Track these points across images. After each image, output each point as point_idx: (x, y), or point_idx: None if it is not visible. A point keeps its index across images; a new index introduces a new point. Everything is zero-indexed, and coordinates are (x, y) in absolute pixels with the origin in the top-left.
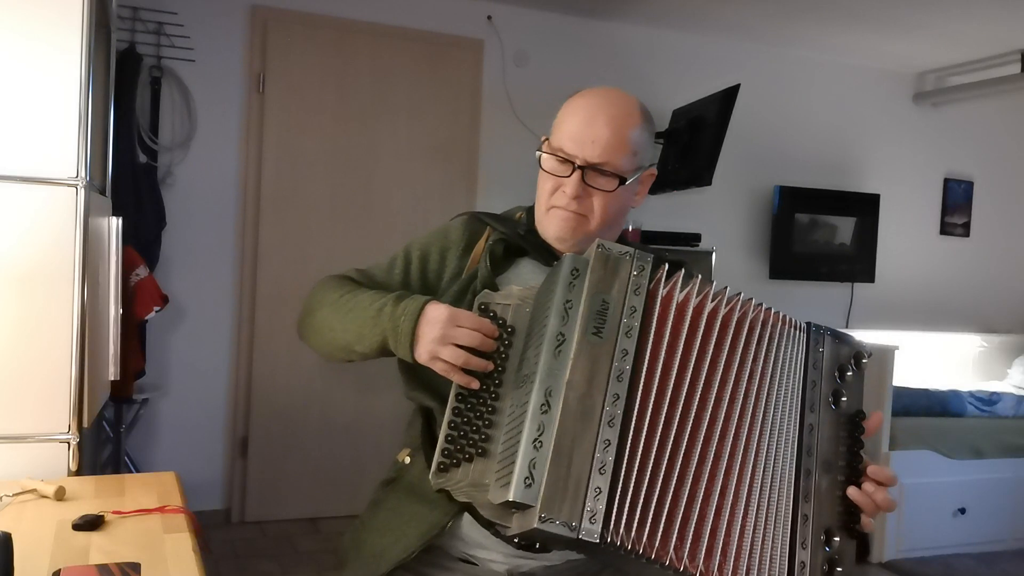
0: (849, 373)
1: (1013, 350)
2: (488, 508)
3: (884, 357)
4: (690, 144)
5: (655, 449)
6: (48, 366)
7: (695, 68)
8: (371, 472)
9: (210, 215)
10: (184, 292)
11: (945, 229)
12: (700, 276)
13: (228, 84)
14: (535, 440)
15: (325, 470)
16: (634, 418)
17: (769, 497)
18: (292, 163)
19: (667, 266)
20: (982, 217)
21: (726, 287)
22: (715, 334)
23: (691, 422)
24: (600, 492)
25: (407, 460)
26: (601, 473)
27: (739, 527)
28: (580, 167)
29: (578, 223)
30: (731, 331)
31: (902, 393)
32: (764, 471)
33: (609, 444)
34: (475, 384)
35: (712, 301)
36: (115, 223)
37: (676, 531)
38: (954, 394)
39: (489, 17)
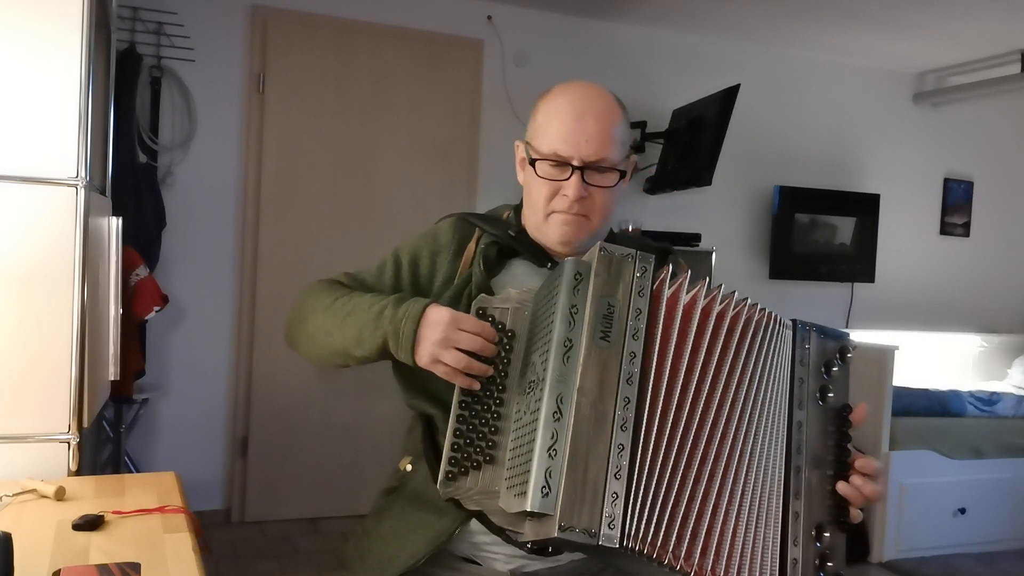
0: (835, 368)
1: (1013, 350)
2: (500, 515)
3: (884, 357)
4: (690, 144)
5: (664, 451)
6: (48, 366)
7: (695, 68)
8: (371, 472)
9: (210, 215)
10: (184, 292)
11: (945, 229)
12: (689, 269)
13: (228, 84)
14: (550, 448)
15: (325, 470)
16: (644, 421)
17: (760, 496)
18: (292, 163)
19: (670, 267)
20: (982, 217)
21: (720, 285)
22: (709, 333)
23: (696, 423)
24: (617, 497)
25: (408, 468)
26: (617, 478)
27: (731, 527)
28: (578, 168)
29: (581, 225)
30: (725, 330)
31: (902, 393)
32: (754, 470)
33: (623, 448)
34: (476, 386)
35: (706, 298)
36: (115, 223)
37: (676, 532)
38: (954, 394)
39: (489, 17)
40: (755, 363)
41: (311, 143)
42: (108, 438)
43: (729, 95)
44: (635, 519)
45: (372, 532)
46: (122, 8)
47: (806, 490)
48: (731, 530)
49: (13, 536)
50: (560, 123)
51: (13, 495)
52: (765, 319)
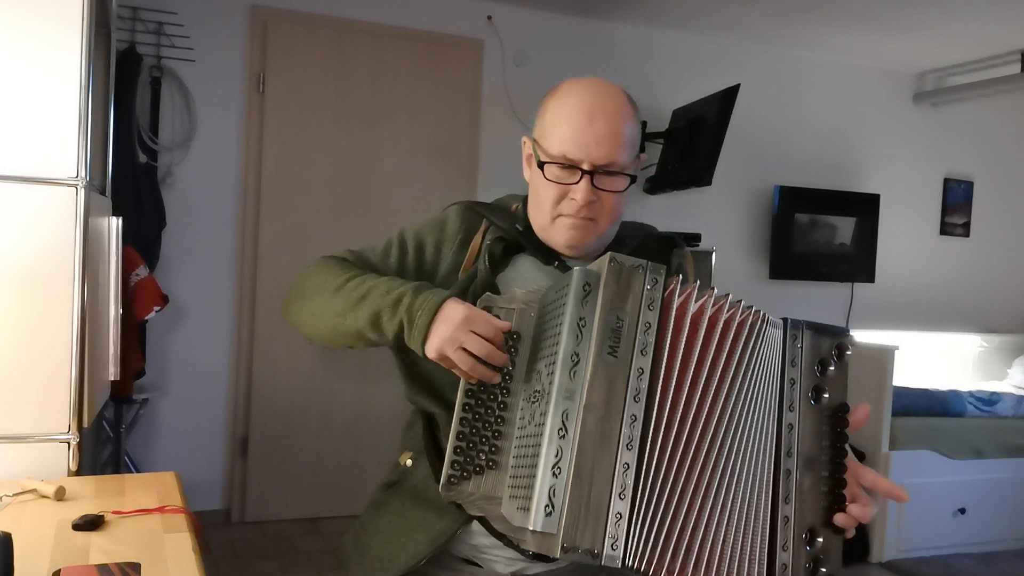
0: (831, 367)
1: (1013, 350)
2: (501, 522)
3: (884, 357)
4: (690, 144)
5: (666, 468)
6: (48, 366)
7: (695, 68)
8: (371, 472)
9: (210, 215)
10: (184, 292)
11: (945, 229)
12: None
13: (228, 84)
14: (554, 466)
15: (325, 470)
16: (650, 438)
17: (747, 502)
18: (292, 163)
19: (680, 276)
20: (982, 217)
21: (728, 294)
22: (715, 346)
23: (696, 437)
24: (621, 517)
25: (409, 463)
26: (621, 498)
27: (720, 536)
28: (588, 172)
29: (588, 229)
30: (720, 336)
31: (902, 393)
32: (743, 476)
33: (628, 467)
34: (485, 376)
35: (713, 306)
36: (115, 223)
37: (672, 548)
38: (954, 394)
39: (489, 17)
40: (744, 367)
41: (311, 143)
42: (108, 438)
43: (729, 95)
44: (638, 539)
45: (370, 527)
46: (122, 8)
47: (797, 493)
48: (720, 539)
49: (13, 536)
50: (570, 124)
51: (13, 495)
52: (752, 319)
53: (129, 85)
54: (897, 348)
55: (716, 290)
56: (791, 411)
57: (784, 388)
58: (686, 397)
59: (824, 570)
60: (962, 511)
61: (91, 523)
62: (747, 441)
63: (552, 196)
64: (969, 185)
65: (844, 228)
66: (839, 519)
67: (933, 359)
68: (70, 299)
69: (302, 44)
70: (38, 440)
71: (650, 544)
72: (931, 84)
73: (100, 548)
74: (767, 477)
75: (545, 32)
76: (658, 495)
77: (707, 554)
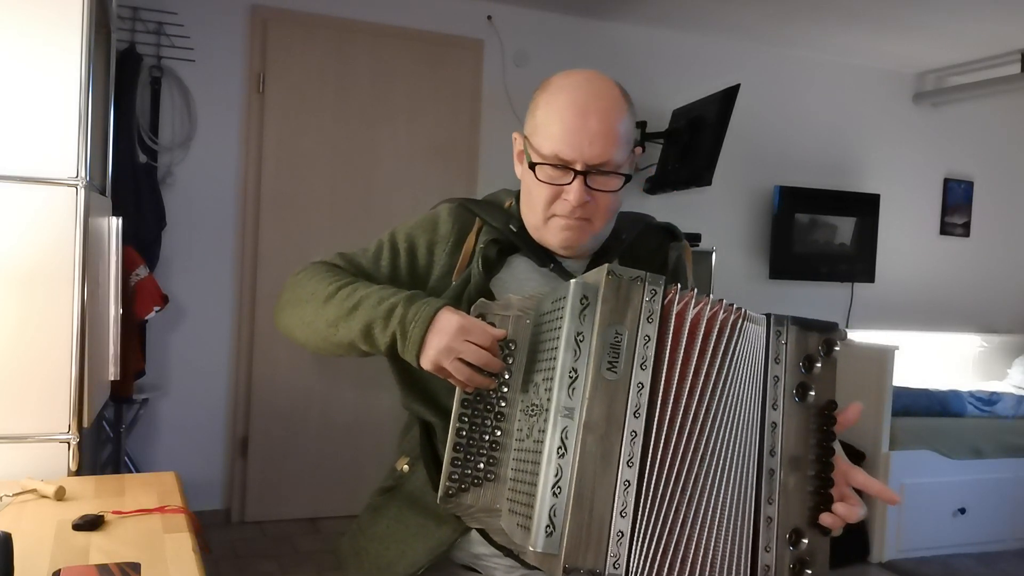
0: (818, 363)
1: (1013, 350)
2: (501, 535)
3: (884, 357)
4: (690, 144)
5: (665, 482)
6: (48, 366)
7: (695, 68)
8: (371, 472)
9: (210, 215)
10: (184, 292)
11: (945, 229)
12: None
13: (228, 84)
14: (554, 486)
15: (325, 470)
16: (650, 454)
17: (729, 503)
18: (292, 163)
19: (679, 286)
20: (982, 217)
21: (721, 299)
22: (698, 344)
23: (692, 446)
24: (622, 536)
25: (406, 468)
26: (623, 516)
27: (704, 537)
28: (581, 172)
29: (582, 229)
30: (704, 338)
31: (902, 393)
32: (727, 478)
33: (629, 485)
34: (483, 384)
35: (710, 310)
36: (115, 223)
37: (670, 558)
38: (954, 394)
39: (489, 17)
40: (727, 366)
41: (311, 143)
42: (108, 438)
43: (729, 95)
44: (639, 556)
45: (368, 531)
46: (122, 8)
47: (781, 493)
48: (704, 542)
49: (13, 536)
50: (562, 122)
51: (13, 495)
52: (739, 318)
53: (129, 85)
54: (897, 348)
55: (712, 296)
56: (775, 409)
57: (767, 386)
58: (686, 407)
59: (810, 572)
60: (962, 511)
61: (91, 523)
62: (731, 442)
63: (544, 197)
64: (969, 185)
65: (844, 228)
66: (825, 519)
67: (933, 359)
68: (70, 299)
69: (302, 44)
70: (38, 440)
71: (651, 560)
72: (931, 84)
73: (100, 548)
74: (751, 477)
75: (545, 32)
76: (658, 510)
77: (691, 556)
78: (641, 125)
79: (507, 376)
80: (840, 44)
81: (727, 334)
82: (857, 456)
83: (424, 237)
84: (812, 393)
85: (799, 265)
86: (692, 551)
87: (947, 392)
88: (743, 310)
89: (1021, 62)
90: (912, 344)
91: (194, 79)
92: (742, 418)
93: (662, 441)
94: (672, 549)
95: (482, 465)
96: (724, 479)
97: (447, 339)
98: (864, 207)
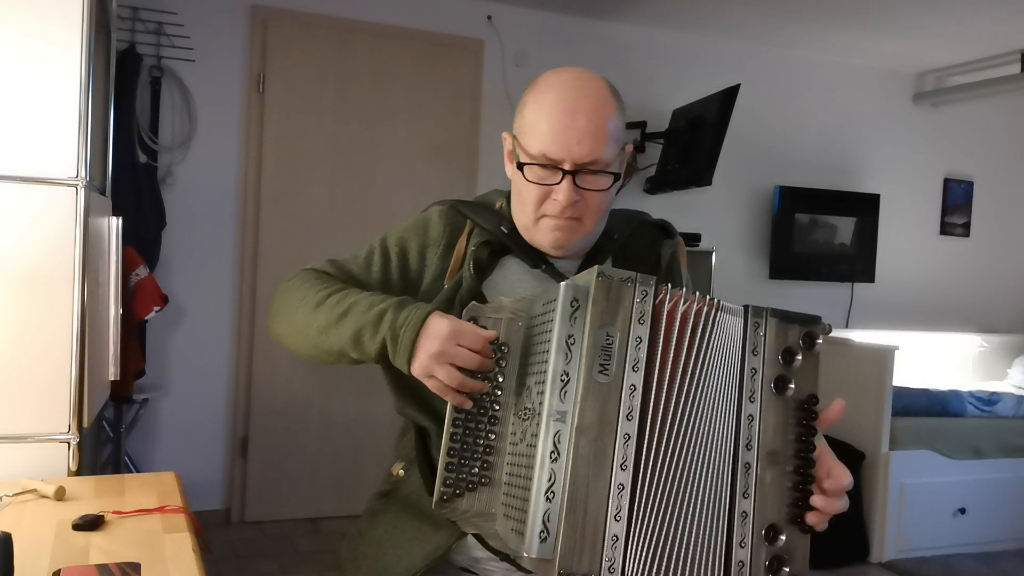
0: (798, 356)
1: (1013, 350)
2: (497, 539)
3: (884, 357)
4: (690, 144)
5: (658, 483)
6: (48, 366)
7: (695, 68)
8: (371, 472)
9: (210, 215)
10: (184, 292)
11: (945, 229)
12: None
13: (228, 84)
14: (547, 491)
15: (325, 470)
16: (643, 456)
17: (707, 499)
18: (292, 163)
19: (669, 286)
20: (982, 217)
21: (707, 295)
22: (695, 349)
23: (680, 445)
24: (617, 540)
25: (401, 473)
26: (617, 520)
27: (691, 536)
28: (570, 171)
29: (573, 229)
30: (680, 331)
31: (902, 393)
32: (702, 472)
33: (623, 488)
34: (468, 404)
35: (697, 304)
36: (115, 223)
37: (660, 558)
38: (954, 394)
39: (489, 17)
40: (703, 359)
41: (311, 143)
42: (108, 438)
43: (729, 95)
44: (634, 560)
45: (367, 535)
46: (122, 8)
47: (758, 488)
48: (690, 541)
49: (13, 536)
50: (549, 122)
51: (13, 495)
52: (714, 309)
53: (129, 85)
54: (897, 348)
55: (708, 296)
56: (751, 402)
57: (744, 378)
58: (675, 406)
59: (787, 570)
60: (962, 511)
61: (91, 523)
62: (710, 436)
63: (534, 197)
64: (969, 185)
65: (844, 228)
66: (810, 518)
67: (933, 359)
68: (70, 299)
69: (302, 44)
70: (38, 440)
71: (646, 562)
72: (931, 84)
73: (100, 548)
74: (725, 471)
75: (545, 32)
76: (652, 512)
77: (682, 555)
78: (641, 125)
79: (500, 379)
80: (840, 44)
81: (704, 326)
82: (857, 456)
83: (415, 241)
84: (792, 387)
85: (799, 265)
86: (682, 550)
87: (947, 392)
88: (719, 301)
89: (1021, 62)
90: (912, 344)
91: (194, 79)
92: (719, 412)
93: (654, 443)
94: (665, 550)
95: (476, 469)
96: (703, 474)
97: (439, 344)
98: (864, 207)
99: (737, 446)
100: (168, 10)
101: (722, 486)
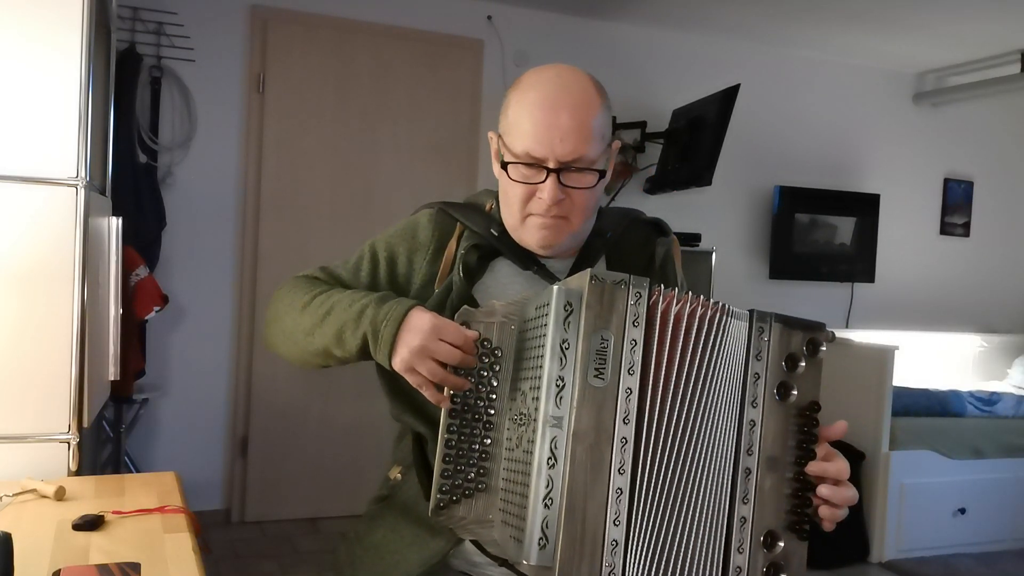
0: (801, 363)
1: (1013, 350)
2: (494, 545)
3: (884, 357)
4: (690, 144)
5: (657, 487)
6: (48, 366)
7: (695, 68)
8: (371, 473)
9: (210, 215)
10: (184, 292)
11: (945, 229)
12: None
13: (228, 84)
14: (545, 497)
15: (325, 470)
16: (641, 459)
17: (706, 503)
18: (292, 163)
19: (663, 287)
20: (982, 217)
21: (700, 296)
22: (680, 342)
23: (684, 448)
24: (617, 545)
25: (398, 477)
26: (616, 525)
27: (691, 540)
28: (553, 170)
29: (560, 228)
30: (686, 335)
31: (902, 393)
32: (705, 477)
33: (621, 493)
34: (447, 404)
35: (690, 305)
36: (115, 223)
37: (661, 562)
38: (954, 394)
39: (489, 17)
40: (706, 362)
41: (311, 143)
42: (108, 438)
43: (729, 95)
44: (635, 565)
45: (364, 540)
46: (122, 8)
47: (757, 494)
48: (690, 545)
49: (13, 536)
50: (532, 120)
51: (13, 495)
52: (717, 313)
53: (129, 85)
54: (897, 348)
55: (703, 296)
56: (754, 407)
57: (747, 383)
58: (671, 409)
59: None
60: (962, 511)
61: (91, 523)
62: (712, 440)
63: (519, 196)
64: (969, 185)
65: (844, 228)
66: (822, 511)
67: (933, 359)
68: (70, 299)
69: (302, 44)
70: (38, 440)
71: (647, 567)
72: (931, 84)
73: (100, 548)
74: (726, 475)
75: (545, 32)
76: (652, 516)
77: (683, 559)
78: (641, 125)
79: (495, 384)
80: (840, 44)
81: (708, 330)
82: (857, 456)
83: (403, 246)
84: (794, 393)
85: (799, 265)
86: (681, 553)
87: (947, 392)
88: (726, 306)
89: (1021, 62)
90: (912, 344)
91: (194, 79)
92: (720, 415)
93: (651, 446)
94: (665, 553)
95: (472, 475)
96: (703, 477)
97: (420, 338)
98: (864, 207)
99: (738, 451)
100: (168, 10)
101: (722, 490)
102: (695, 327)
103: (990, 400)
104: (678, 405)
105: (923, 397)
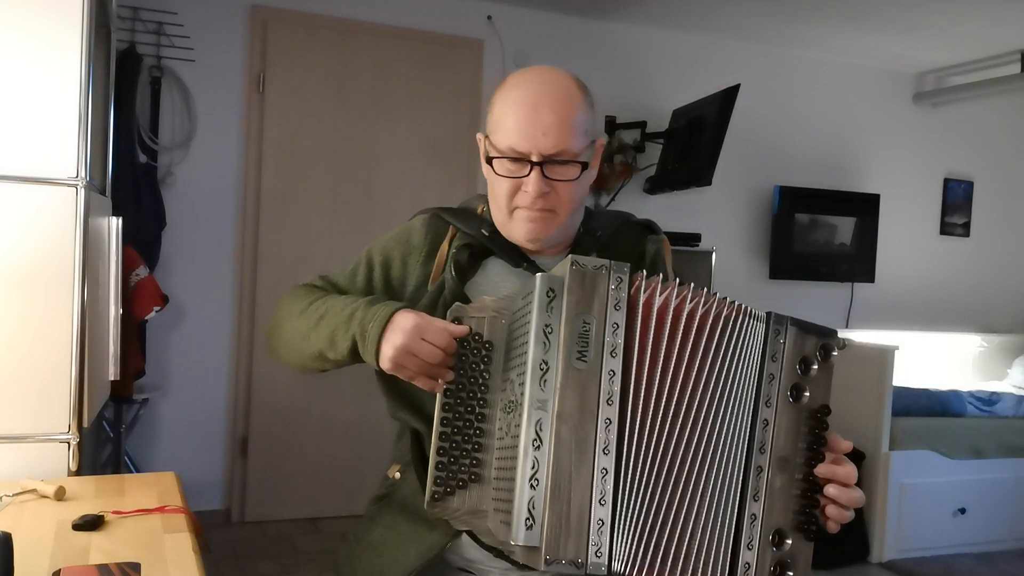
0: (815, 367)
1: (1013, 350)
2: (489, 536)
3: (884, 357)
4: (690, 144)
5: (646, 468)
6: (48, 366)
7: (695, 68)
8: (371, 473)
9: (210, 215)
10: (184, 292)
11: (945, 229)
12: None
13: (228, 84)
14: (531, 478)
15: (325, 470)
16: (627, 441)
17: (715, 496)
18: (292, 163)
19: (644, 273)
20: (982, 217)
21: (690, 283)
22: (692, 337)
23: (676, 432)
24: (603, 524)
25: (397, 476)
26: (602, 504)
27: (689, 530)
28: (537, 163)
29: (547, 220)
30: (695, 330)
31: (902, 393)
32: (714, 470)
33: (607, 473)
34: (439, 388)
35: (689, 303)
36: (115, 223)
37: (654, 545)
38: (954, 394)
39: (489, 17)
40: (721, 359)
41: (311, 143)
42: (108, 438)
43: (729, 95)
44: (622, 544)
45: (363, 540)
46: (122, 8)
47: (767, 492)
48: (688, 535)
49: (13, 536)
50: (515, 117)
51: (13, 495)
52: (734, 313)
53: (129, 85)
54: (897, 348)
55: (684, 282)
56: (768, 407)
57: (762, 383)
58: (658, 393)
59: (791, 574)
60: (962, 511)
61: (91, 523)
62: (721, 434)
63: (505, 190)
64: (969, 185)
65: (844, 228)
66: (829, 510)
67: (933, 359)
68: (70, 299)
69: (302, 44)
70: (38, 440)
71: (636, 547)
72: (931, 84)
73: (100, 548)
74: (738, 472)
75: (545, 32)
76: (639, 497)
77: (675, 545)
78: (641, 125)
79: (487, 376)
80: (840, 44)
81: (721, 325)
82: (857, 456)
83: (398, 250)
84: (807, 395)
85: (799, 265)
86: (676, 540)
87: (947, 392)
88: (745, 305)
89: (1021, 62)
90: (912, 344)
91: (194, 79)
92: (734, 412)
93: (637, 428)
94: (656, 537)
95: (466, 467)
96: (712, 470)
97: (403, 337)
98: (864, 207)
99: (751, 448)
100: (168, 10)
101: (730, 484)
102: (701, 321)
103: (990, 400)
104: (676, 392)
105: (923, 397)
